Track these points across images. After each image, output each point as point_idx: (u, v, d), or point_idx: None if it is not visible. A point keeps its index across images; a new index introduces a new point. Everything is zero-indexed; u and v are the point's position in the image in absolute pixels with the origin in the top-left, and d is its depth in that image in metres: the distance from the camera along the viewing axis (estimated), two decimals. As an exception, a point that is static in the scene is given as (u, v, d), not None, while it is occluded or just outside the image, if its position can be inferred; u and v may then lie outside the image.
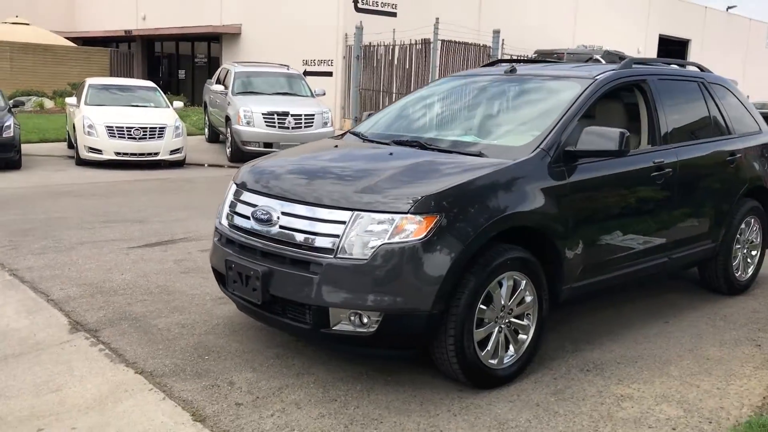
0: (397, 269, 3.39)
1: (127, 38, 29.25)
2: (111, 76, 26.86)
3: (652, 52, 32.25)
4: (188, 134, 14.34)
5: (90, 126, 12.18)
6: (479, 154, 3.99)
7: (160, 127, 12.48)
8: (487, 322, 3.68)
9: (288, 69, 15.63)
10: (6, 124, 11.51)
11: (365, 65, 18.99)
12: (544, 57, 16.73)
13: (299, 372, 3.89)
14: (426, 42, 17.25)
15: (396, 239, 3.41)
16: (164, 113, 13.10)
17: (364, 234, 3.44)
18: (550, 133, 4.05)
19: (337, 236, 3.48)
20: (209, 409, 3.42)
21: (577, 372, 4.04)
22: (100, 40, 30.09)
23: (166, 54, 29.98)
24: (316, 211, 3.60)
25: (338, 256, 3.45)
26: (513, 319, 3.81)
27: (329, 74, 21.19)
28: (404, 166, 3.87)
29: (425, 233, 3.41)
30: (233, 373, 3.83)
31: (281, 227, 3.70)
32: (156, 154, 12.43)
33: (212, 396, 3.57)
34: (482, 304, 3.62)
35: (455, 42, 17.32)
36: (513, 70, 4.94)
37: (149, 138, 12.41)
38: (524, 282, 3.81)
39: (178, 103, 14.92)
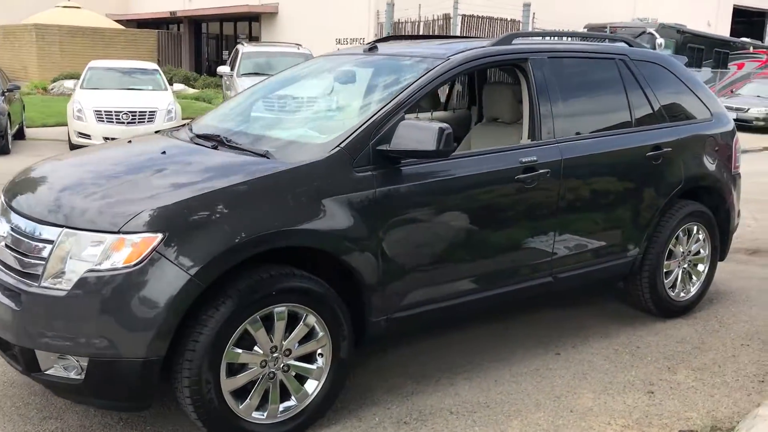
0: (103, 304, 2.71)
1: (176, 20, 29.33)
2: (158, 57, 27.01)
3: (724, 25, 29.86)
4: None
5: (79, 110, 11.91)
6: (265, 155, 3.23)
7: (150, 111, 12.09)
8: (250, 367, 2.96)
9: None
10: (-9, 109, 11.36)
11: (393, 43, 18.15)
12: (593, 32, 15.40)
13: (46, 416, 3.27)
14: (447, 17, 16.24)
15: (105, 266, 2.72)
16: (159, 96, 12.71)
17: (69, 258, 2.77)
18: (358, 129, 3.24)
19: (44, 259, 2.83)
20: None
21: (389, 425, 3.26)
22: (151, 23, 30.33)
23: (211, 35, 29.93)
24: (34, 227, 2.96)
25: (42, 284, 2.80)
26: (294, 362, 3.07)
27: (360, 53, 20.46)
28: (151, 171, 3.17)
29: (140, 258, 2.71)
30: (-27, 413, 3.25)
31: (6, 245, 3.07)
32: (145, 138, 12.04)
33: None
34: (240, 346, 2.90)
35: (477, 17, 16.21)
36: (373, 48, 4.13)
37: (138, 122, 12.03)
38: (308, 316, 3.05)
39: (179, 86, 14.55)
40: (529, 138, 3.86)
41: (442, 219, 3.40)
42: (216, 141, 3.48)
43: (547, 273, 3.90)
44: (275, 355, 3.01)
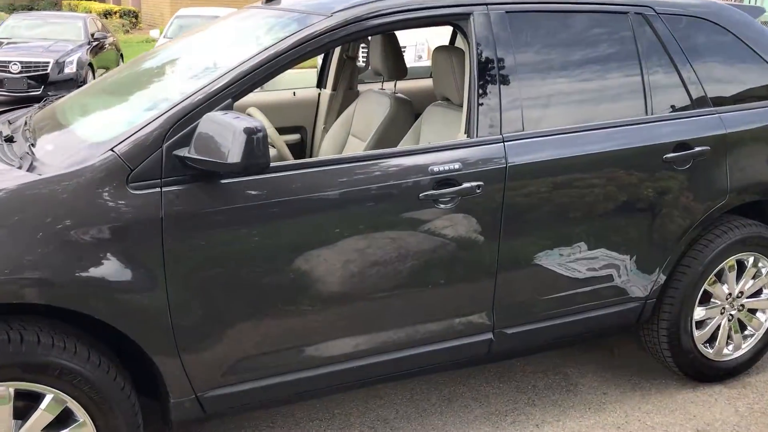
0: None
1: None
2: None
3: None
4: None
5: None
6: (23, 156, 2.28)
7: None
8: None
9: None
10: (68, 60, 11.23)
11: None
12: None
13: None
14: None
15: None
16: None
17: None
18: (153, 121, 2.20)
19: None
20: None
21: None
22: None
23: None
24: None
25: None
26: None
27: None
28: None
29: None
30: None
31: None
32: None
33: None
34: None
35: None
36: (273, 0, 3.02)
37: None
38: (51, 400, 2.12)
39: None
40: (465, 132, 2.64)
41: (285, 256, 2.31)
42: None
43: (485, 328, 2.71)
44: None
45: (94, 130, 2.41)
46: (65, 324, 2.17)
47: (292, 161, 2.43)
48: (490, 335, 2.72)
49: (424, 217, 2.46)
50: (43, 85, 10.87)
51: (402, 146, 3.21)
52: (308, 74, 5.06)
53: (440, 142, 2.58)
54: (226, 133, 2.05)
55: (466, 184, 2.49)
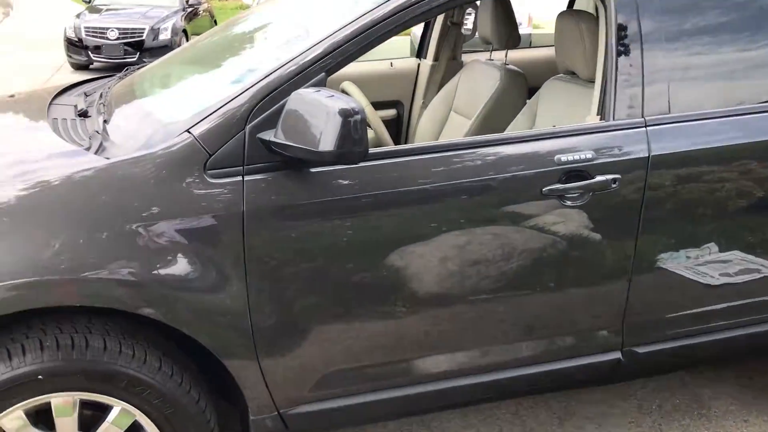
0: None
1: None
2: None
3: None
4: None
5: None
6: (93, 136, 2.03)
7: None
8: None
9: None
10: (163, 26, 11.24)
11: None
12: None
13: None
14: None
15: None
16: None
17: None
18: (234, 99, 1.90)
19: None
20: None
21: None
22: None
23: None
24: None
25: None
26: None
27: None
28: None
29: None
30: None
31: None
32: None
33: None
34: None
35: None
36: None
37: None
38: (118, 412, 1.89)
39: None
40: (597, 114, 2.22)
41: (385, 258, 1.97)
42: (82, 114, 2.33)
43: (612, 346, 2.30)
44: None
45: (171, 107, 2.13)
46: (134, 327, 1.91)
47: (392, 147, 2.09)
48: (618, 354, 2.31)
49: (548, 215, 2.06)
50: (138, 52, 10.94)
51: (523, 130, 2.80)
52: (399, 41, 4.65)
53: (568, 126, 2.17)
54: (318, 114, 1.72)
55: (599, 177, 2.08)
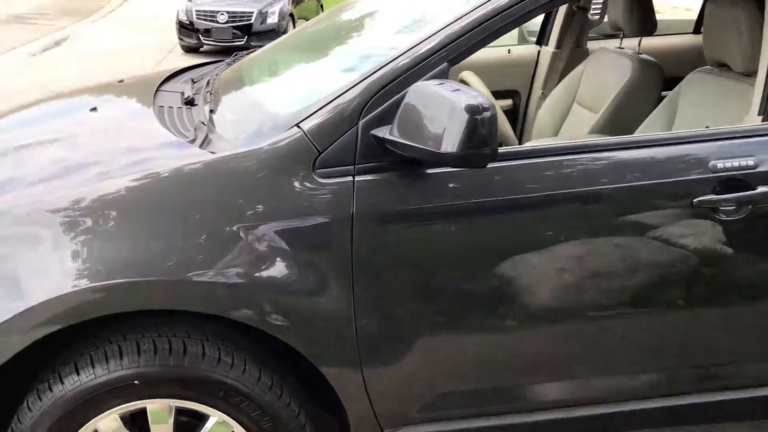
0: None
1: None
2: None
3: None
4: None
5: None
6: (198, 127, 1.91)
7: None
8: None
9: None
10: (271, 10, 11.31)
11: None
12: None
13: None
14: None
15: None
16: None
17: None
18: (347, 92, 1.73)
19: None
20: None
21: None
22: None
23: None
24: None
25: None
26: None
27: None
28: (49, 140, 2.06)
29: None
30: None
31: None
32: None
33: None
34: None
35: None
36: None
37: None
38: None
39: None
40: (759, 114, 1.91)
41: (506, 270, 1.77)
42: (188, 102, 2.24)
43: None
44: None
45: (278, 98, 1.99)
46: (233, 334, 1.80)
47: (520, 147, 1.87)
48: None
49: (699, 230, 1.79)
50: (246, 36, 11.05)
51: (660, 128, 2.51)
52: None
53: (726, 127, 1.88)
54: (440, 110, 1.53)
55: (761, 188, 1.78)
